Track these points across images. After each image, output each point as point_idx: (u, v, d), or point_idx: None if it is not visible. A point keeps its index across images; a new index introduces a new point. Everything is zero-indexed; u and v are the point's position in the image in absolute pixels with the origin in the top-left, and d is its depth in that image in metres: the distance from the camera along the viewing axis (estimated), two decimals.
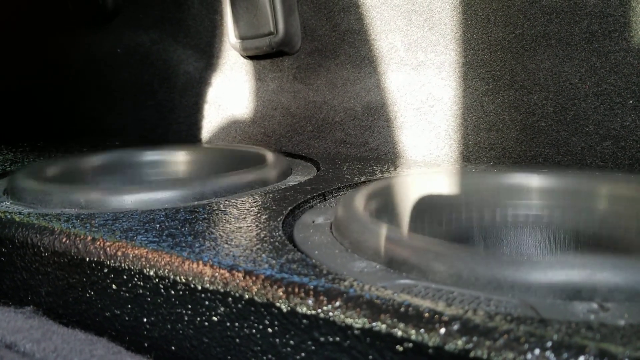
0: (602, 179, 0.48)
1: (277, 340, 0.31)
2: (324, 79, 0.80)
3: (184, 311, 0.35)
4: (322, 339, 0.29)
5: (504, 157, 0.66)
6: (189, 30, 0.94)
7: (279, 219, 0.43)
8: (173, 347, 0.36)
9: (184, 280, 0.35)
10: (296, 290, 0.30)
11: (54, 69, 1.16)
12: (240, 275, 0.32)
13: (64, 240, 0.42)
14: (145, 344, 0.38)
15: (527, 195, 0.50)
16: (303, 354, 0.30)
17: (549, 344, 0.23)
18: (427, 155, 0.71)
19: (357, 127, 0.77)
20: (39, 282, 0.44)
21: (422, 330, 0.26)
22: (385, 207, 0.46)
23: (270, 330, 0.31)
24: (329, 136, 0.80)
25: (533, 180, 0.50)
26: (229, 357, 0.33)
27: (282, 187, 0.56)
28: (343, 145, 0.79)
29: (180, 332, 0.35)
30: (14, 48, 1.15)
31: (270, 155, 0.64)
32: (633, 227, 0.45)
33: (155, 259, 0.36)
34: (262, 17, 0.80)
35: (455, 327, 0.25)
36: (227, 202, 0.50)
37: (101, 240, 0.40)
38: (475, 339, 0.24)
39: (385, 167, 0.65)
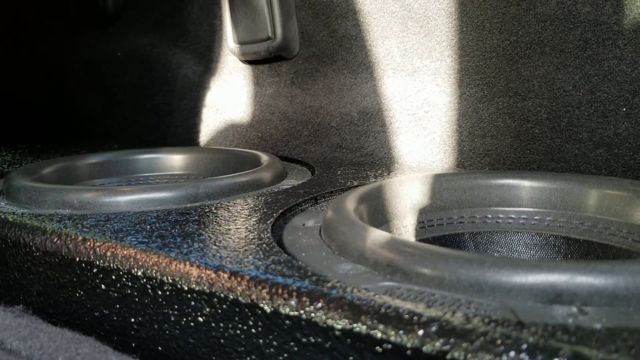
0: (592, 182, 0.49)
1: (261, 340, 0.31)
2: (321, 84, 0.80)
3: (171, 311, 0.35)
4: (304, 339, 0.29)
5: (499, 163, 0.66)
6: (189, 34, 0.95)
7: (268, 222, 0.43)
8: (160, 347, 0.36)
9: (170, 281, 0.35)
10: (280, 291, 0.31)
11: (55, 71, 1.17)
12: (226, 275, 0.33)
13: (55, 240, 0.42)
14: (133, 344, 0.38)
15: (517, 197, 0.51)
16: (286, 355, 0.30)
17: (524, 346, 0.24)
18: (422, 161, 0.71)
19: (353, 132, 0.77)
20: (30, 281, 0.44)
21: (400, 331, 0.26)
22: (375, 209, 0.47)
23: (254, 330, 0.31)
24: (325, 141, 0.80)
25: (524, 183, 0.51)
26: (214, 358, 0.34)
27: (276, 190, 0.56)
28: (339, 150, 0.79)
29: (167, 332, 0.36)
30: (15, 51, 1.16)
31: (264, 159, 0.65)
32: (622, 230, 0.46)
33: (144, 260, 0.37)
34: (261, 22, 0.81)
35: (433, 328, 0.25)
36: (219, 204, 0.50)
37: (91, 240, 0.40)
38: (452, 340, 0.25)
39: (379, 172, 0.65)
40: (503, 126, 0.65)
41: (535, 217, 0.50)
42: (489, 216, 0.51)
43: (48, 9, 1.13)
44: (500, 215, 0.51)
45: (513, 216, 0.51)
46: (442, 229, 0.51)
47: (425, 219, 0.51)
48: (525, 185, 0.51)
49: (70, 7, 1.08)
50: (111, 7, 1.02)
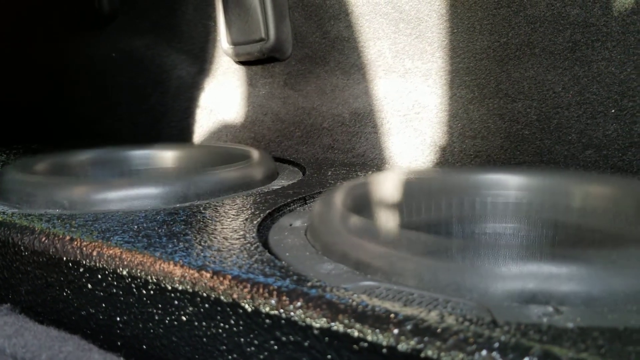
0: (579, 177, 0.49)
1: (242, 339, 0.31)
2: (314, 85, 0.80)
3: (155, 310, 0.35)
4: (283, 338, 0.30)
5: (489, 164, 0.67)
6: (183, 35, 0.96)
7: (255, 222, 0.44)
8: (144, 346, 0.37)
9: (155, 280, 0.35)
10: (260, 290, 0.31)
11: (50, 72, 1.17)
12: (208, 275, 0.33)
13: (43, 239, 0.42)
14: (118, 343, 0.38)
15: (506, 183, 0.51)
16: (266, 353, 0.31)
17: (496, 345, 0.24)
18: (413, 162, 0.71)
19: (345, 133, 0.78)
20: (19, 280, 0.44)
21: (376, 330, 0.26)
22: (362, 207, 0.47)
23: (235, 329, 0.32)
24: (317, 142, 0.81)
25: (513, 173, 0.51)
26: (197, 356, 0.34)
27: (265, 190, 0.57)
28: (330, 151, 0.79)
29: (151, 331, 0.36)
30: (10, 51, 1.17)
31: (256, 158, 0.65)
32: (610, 214, 0.46)
33: (129, 259, 0.37)
34: (254, 23, 0.81)
35: (408, 327, 0.26)
36: (208, 204, 0.50)
37: (78, 240, 0.40)
38: (426, 339, 0.25)
39: (370, 172, 0.66)
40: (493, 127, 0.66)
41: (524, 201, 0.50)
42: (477, 199, 0.51)
43: (43, 10, 1.13)
44: (489, 199, 0.51)
45: (501, 200, 0.51)
46: (430, 215, 0.51)
47: (413, 205, 0.51)
48: (514, 173, 0.51)
49: (65, 8, 1.09)
50: (107, 8, 1.03)
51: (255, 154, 0.65)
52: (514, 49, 0.63)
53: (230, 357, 0.32)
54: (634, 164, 0.58)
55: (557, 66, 0.61)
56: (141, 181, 0.53)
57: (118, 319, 0.38)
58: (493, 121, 0.66)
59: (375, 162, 0.75)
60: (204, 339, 0.33)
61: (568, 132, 0.61)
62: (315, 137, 0.81)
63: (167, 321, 0.35)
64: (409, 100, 0.71)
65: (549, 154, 0.63)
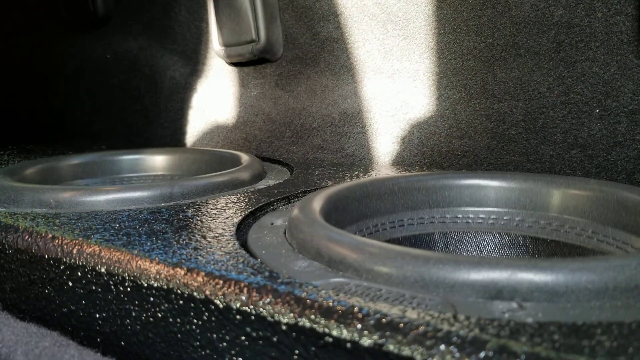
0: (559, 183, 0.49)
1: (215, 335, 0.32)
2: (304, 86, 0.81)
3: (132, 307, 0.36)
4: (254, 334, 0.30)
5: (476, 164, 0.67)
6: (176, 37, 0.96)
7: (235, 220, 0.44)
8: (122, 342, 0.37)
9: (131, 277, 0.36)
10: (232, 286, 0.31)
11: (46, 73, 1.18)
12: (182, 272, 0.34)
13: (26, 238, 0.43)
14: (98, 339, 0.39)
15: (487, 197, 0.51)
16: (237, 349, 0.31)
17: (454, 339, 0.24)
18: (401, 162, 0.72)
19: (334, 134, 0.78)
20: (3, 278, 0.45)
21: (341, 325, 0.27)
22: (344, 209, 0.47)
23: (208, 325, 0.32)
24: (307, 142, 0.81)
25: (494, 184, 0.52)
26: (172, 352, 0.34)
27: (252, 190, 0.57)
28: (320, 151, 0.80)
29: (129, 327, 0.36)
30: (5, 53, 1.17)
31: (243, 160, 0.66)
32: (588, 230, 0.46)
33: (107, 257, 0.38)
34: (245, 25, 0.82)
35: (371, 322, 0.26)
36: (192, 204, 0.51)
37: (60, 238, 0.41)
38: (387, 333, 0.25)
39: (356, 172, 0.66)
40: (480, 127, 0.66)
41: (505, 217, 0.51)
42: (460, 216, 0.52)
43: (39, 12, 1.14)
44: (471, 215, 0.52)
45: (483, 216, 0.51)
46: (413, 229, 0.52)
47: (396, 219, 0.51)
48: (495, 185, 0.52)
49: (61, 10, 1.10)
50: (101, 9, 1.03)
51: (244, 159, 0.65)
52: (500, 49, 0.64)
53: (203, 352, 0.33)
54: (619, 164, 0.58)
55: (541, 66, 0.61)
56: (127, 187, 0.53)
57: (97, 315, 0.38)
58: (480, 121, 0.66)
59: (364, 161, 0.76)
60: (179, 335, 0.34)
61: (553, 132, 0.62)
62: (305, 138, 0.81)
63: (143, 318, 0.35)
64: (397, 101, 0.72)
65: (535, 153, 0.63)
